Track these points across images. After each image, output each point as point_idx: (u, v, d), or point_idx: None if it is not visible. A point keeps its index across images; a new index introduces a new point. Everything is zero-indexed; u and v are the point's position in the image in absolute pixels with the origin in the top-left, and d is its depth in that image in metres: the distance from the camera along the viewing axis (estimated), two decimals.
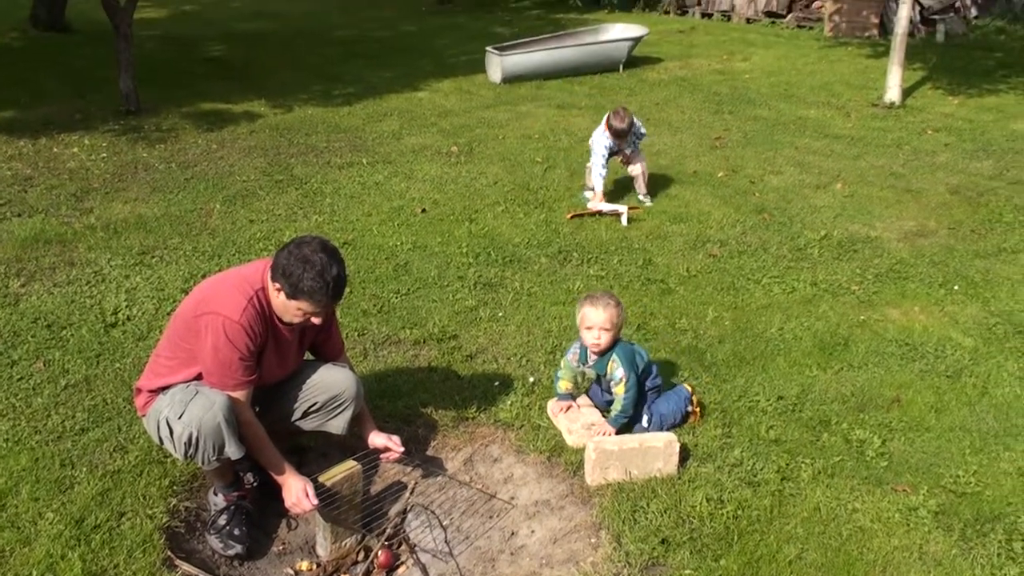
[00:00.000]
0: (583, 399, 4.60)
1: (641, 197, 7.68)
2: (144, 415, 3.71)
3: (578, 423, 4.39)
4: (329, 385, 3.87)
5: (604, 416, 4.44)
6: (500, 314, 5.66)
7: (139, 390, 3.74)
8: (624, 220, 7.22)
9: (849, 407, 4.68)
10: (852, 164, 8.98)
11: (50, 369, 4.86)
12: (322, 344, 4.00)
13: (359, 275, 6.13)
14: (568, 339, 5.28)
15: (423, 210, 7.44)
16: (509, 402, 4.65)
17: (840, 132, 10.22)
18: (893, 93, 11.44)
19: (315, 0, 22.69)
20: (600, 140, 7.44)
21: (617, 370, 4.32)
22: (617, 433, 4.28)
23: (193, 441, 3.45)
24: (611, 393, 4.42)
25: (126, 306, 5.61)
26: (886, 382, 4.93)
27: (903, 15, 11.29)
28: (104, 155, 8.84)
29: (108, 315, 5.49)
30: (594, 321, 4.26)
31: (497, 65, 12.69)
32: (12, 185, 7.83)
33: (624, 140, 7.45)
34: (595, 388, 4.60)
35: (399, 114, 10.85)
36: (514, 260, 6.48)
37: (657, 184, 8.05)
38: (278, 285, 3.49)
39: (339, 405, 3.88)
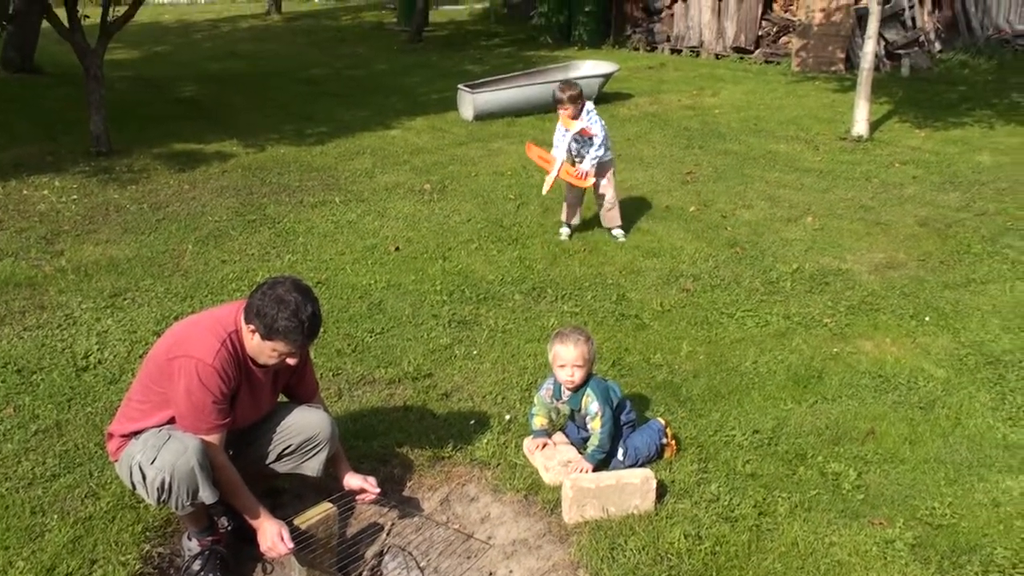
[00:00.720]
0: (559, 436, 4.58)
1: (614, 232, 7.70)
2: (116, 460, 3.67)
3: (554, 460, 4.37)
4: (303, 427, 3.84)
5: (581, 453, 4.43)
6: (475, 352, 5.65)
7: (111, 435, 3.69)
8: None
9: (824, 440, 4.69)
10: (822, 197, 9.07)
11: (20, 415, 4.80)
12: (296, 385, 3.98)
13: (333, 314, 6.11)
14: (544, 376, 5.28)
15: (397, 248, 7.44)
16: (485, 440, 4.63)
17: (809, 166, 10.33)
18: (861, 127, 11.58)
19: (287, 41, 22.78)
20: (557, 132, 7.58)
21: (592, 404, 4.32)
22: (595, 469, 4.28)
23: (166, 486, 3.41)
24: (587, 429, 4.41)
25: (97, 349, 5.56)
26: (860, 414, 4.96)
27: (869, 50, 11.45)
28: (75, 197, 8.79)
29: (79, 359, 5.44)
30: (566, 359, 4.27)
31: (469, 103, 12.77)
32: None
33: (564, 106, 7.29)
34: (571, 426, 4.59)
35: (372, 152, 10.87)
36: (488, 297, 6.48)
37: (630, 219, 8.09)
38: (252, 326, 3.47)
39: (314, 447, 3.85)
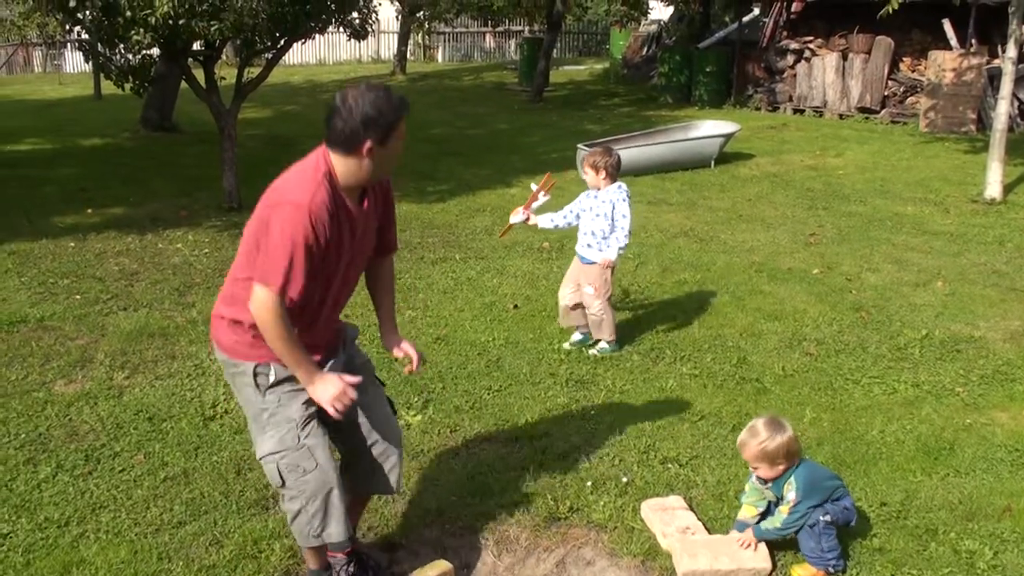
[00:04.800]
0: (676, 500, 4.49)
1: (597, 348, 6.58)
2: (217, 342, 3.58)
3: (672, 526, 4.28)
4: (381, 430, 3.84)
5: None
6: (592, 412, 5.61)
7: (219, 317, 3.57)
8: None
9: (957, 516, 4.49)
10: (952, 261, 8.79)
11: (150, 461, 4.95)
12: (384, 229, 3.80)
13: (452, 371, 6.16)
14: (660, 439, 5.22)
15: (515, 306, 7.48)
16: (602, 503, 4.57)
17: (939, 229, 10.04)
18: (993, 189, 11.22)
19: (410, 100, 23.22)
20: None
21: (790, 492, 4.03)
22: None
23: (299, 511, 3.51)
24: None
25: (224, 399, 5.71)
26: (996, 490, 4.73)
27: (1002, 110, 11.13)
28: (207, 251, 9.12)
29: (207, 408, 5.60)
30: (745, 456, 4.10)
31: None
32: (119, 280, 8.12)
33: (593, 167, 6.65)
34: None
35: (492, 210, 11.00)
36: (606, 357, 6.44)
37: (751, 281, 7.97)
38: (370, 142, 3.30)
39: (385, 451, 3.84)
